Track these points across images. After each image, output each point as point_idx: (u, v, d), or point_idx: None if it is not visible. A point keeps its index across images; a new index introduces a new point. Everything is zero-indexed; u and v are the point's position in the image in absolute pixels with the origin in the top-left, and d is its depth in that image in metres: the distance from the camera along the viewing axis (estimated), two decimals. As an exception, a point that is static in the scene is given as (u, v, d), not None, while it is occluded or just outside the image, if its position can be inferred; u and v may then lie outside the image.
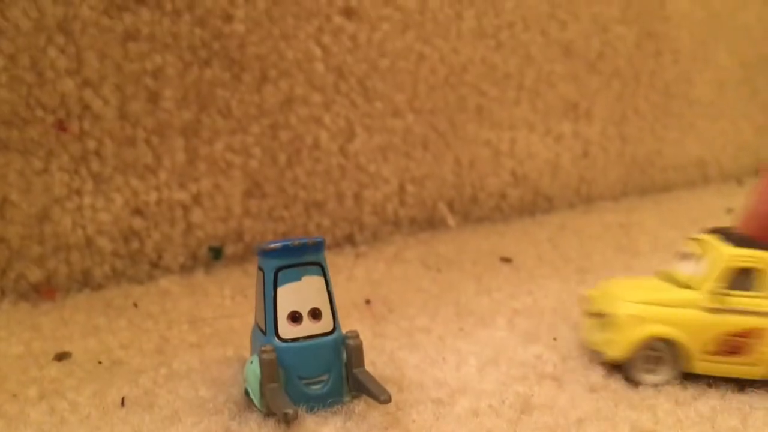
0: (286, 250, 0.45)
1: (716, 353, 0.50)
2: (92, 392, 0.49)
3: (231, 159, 0.79)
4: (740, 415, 0.45)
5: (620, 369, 0.51)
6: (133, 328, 0.62)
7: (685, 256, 0.54)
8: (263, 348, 0.44)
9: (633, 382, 0.50)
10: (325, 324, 0.46)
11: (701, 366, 0.50)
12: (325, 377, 0.46)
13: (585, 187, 1.19)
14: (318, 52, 0.84)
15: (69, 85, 0.69)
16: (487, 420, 0.45)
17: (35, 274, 0.69)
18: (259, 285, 0.47)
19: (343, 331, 0.47)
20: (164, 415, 0.46)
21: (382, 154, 0.92)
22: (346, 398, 0.46)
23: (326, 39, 0.85)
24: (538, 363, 0.53)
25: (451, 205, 1.01)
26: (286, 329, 0.45)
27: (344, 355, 0.46)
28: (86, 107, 0.70)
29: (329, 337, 0.46)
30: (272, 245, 0.45)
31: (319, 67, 0.84)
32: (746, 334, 0.50)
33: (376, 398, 0.44)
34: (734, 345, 0.50)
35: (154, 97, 0.73)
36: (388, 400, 0.44)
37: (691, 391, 0.49)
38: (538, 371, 0.52)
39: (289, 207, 0.85)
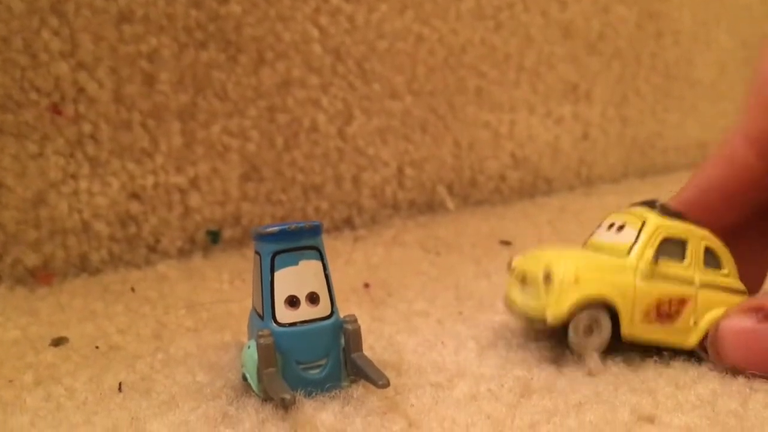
0: (283, 235, 0.45)
1: (649, 319, 0.50)
2: (89, 377, 0.49)
3: (228, 142, 0.79)
4: (740, 398, 0.45)
5: (615, 350, 0.51)
6: (130, 313, 0.62)
7: (611, 227, 0.54)
8: (260, 332, 0.44)
9: (570, 349, 0.50)
10: (322, 308, 0.46)
11: (635, 331, 0.50)
12: (322, 362, 0.45)
13: (585, 169, 1.18)
14: (315, 33, 0.83)
15: (63, 67, 0.68)
16: (486, 404, 0.45)
17: (32, 259, 0.69)
18: (256, 269, 0.46)
19: (341, 315, 0.47)
20: (161, 400, 0.45)
21: (380, 136, 0.92)
22: (344, 383, 0.46)
23: (324, 20, 0.84)
24: (537, 347, 0.53)
25: (450, 188, 1.00)
26: (284, 314, 0.45)
27: (342, 340, 0.46)
28: (81, 90, 0.69)
29: (327, 322, 0.46)
30: (269, 229, 0.45)
31: (317, 48, 0.83)
32: (678, 302, 0.50)
33: (374, 383, 0.44)
34: (667, 312, 0.50)
35: (149, 80, 0.73)
36: (387, 384, 0.43)
37: (692, 374, 0.49)
38: (537, 355, 0.52)
39: (287, 190, 0.84)
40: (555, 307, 0.49)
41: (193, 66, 0.75)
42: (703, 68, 1.36)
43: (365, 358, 0.46)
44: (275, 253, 0.45)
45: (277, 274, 0.45)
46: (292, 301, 0.45)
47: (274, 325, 0.44)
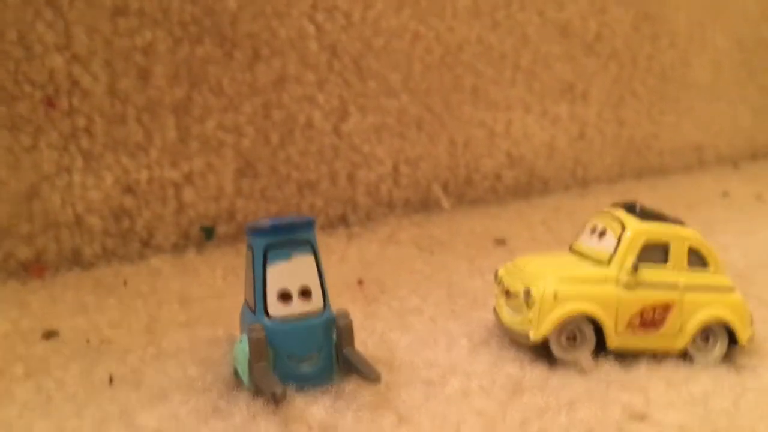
0: (275, 229, 0.45)
1: (634, 328, 0.50)
2: (79, 371, 0.49)
3: (223, 138, 0.78)
4: (732, 397, 0.45)
5: (606, 352, 0.51)
6: (122, 307, 0.62)
7: (594, 231, 0.54)
8: (252, 326, 0.43)
9: (552, 359, 0.50)
10: (315, 303, 0.46)
11: (620, 341, 0.50)
12: (314, 356, 0.45)
13: (581, 169, 1.18)
14: (311, 29, 0.83)
15: (57, 60, 0.68)
16: (477, 401, 0.45)
17: (24, 252, 0.69)
18: (248, 263, 0.46)
19: (334, 310, 0.47)
20: (152, 393, 0.45)
21: (376, 134, 0.91)
22: (336, 378, 0.46)
23: (320, 17, 0.83)
24: (528, 345, 0.53)
25: (445, 187, 1.00)
26: (276, 308, 0.44)
27: (334, 335, 0.46)
28: (75, 83, 0.69)
29: (319, 317, 0.45)
30: (261, 224, 0.45)
31: (313, 45, 0.83)
32: (662, 308, 0.50)
33: (365, 378, 0.44)
34: (651, 320, 0.50)
35: (144, 74, 0.72)
36: (378, 379, 0.43)
37: (683, 372, 0.49)
38: (529, 353, 0.51)
39: (282, 187, 0.84)
40: (536, 325, 0.49)
41: (188, 61, 0.75)
42: (699, 70, 1.36)
43: (357, 353, 0.46)
44: (267, 248, 0.45)
45: (269, 269, 0.44)
46: (284, 296, 0.45)
47: (266, 319, 0.44)
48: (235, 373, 0.46)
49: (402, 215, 0.95)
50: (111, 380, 0.47)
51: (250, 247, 0.46)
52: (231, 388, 0.46)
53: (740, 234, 0.89)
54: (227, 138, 0.79)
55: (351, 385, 0.45)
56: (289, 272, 0.45)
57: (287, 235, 0.45)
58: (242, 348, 0.44)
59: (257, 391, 0.44)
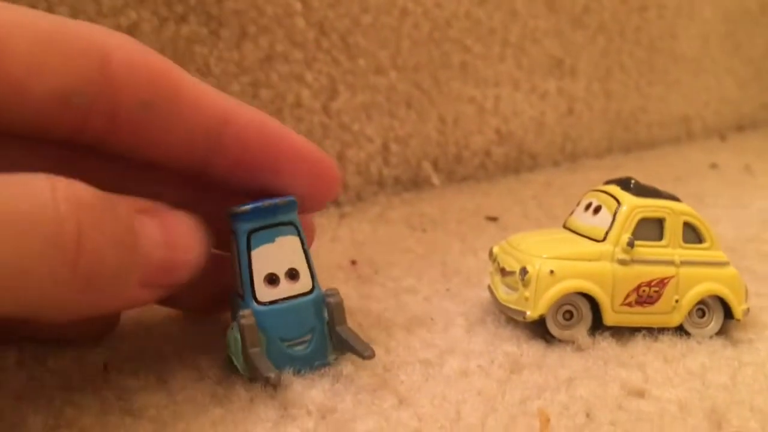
0: (257, 212, 0.44)
1: (630, 304, 0.50)
2: (73, 358, 0.48)
3: (211, 118, 0.77)
4: (730, 371, 0.45)
5: (604, 329, 0.51)
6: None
7: (587, 207, 0.54)
8: (242, 313, 0.43)
9: (550, 336, 0.50)
10: (303, 284, 0.45)
11: (617, 318, 0.50)
12: (307, 338, 0.45)
13: (570, 144, 1.18)
14: (298, 6, 0.81)
15: (40, 42, 0.66)
16: (476, 380, 0.45)
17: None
18: (233, 249, 0.45)
19: (323, 289, 0.46)
20: (148, 381, 0.45)
21: (365, 112, 0.91)
22: (331, 357, 0.46)
23: (307, -7, 0.82)
24: (525, 322, 0.53)
25: (435, 164, 1.00)
26: (264, 292, 0.44)
27: (326, 314, 0.46)
28: (59, 65, 0.68)
29: (308, 297, 0.45)
30: (243, 208, 0.44)
31: (300, 22, 0.82)
32: (658, 283, 0.50)
33: (359, 354, 0.43)
34: (647, 295, 0.50)
35: (129, 55, 0.71)
36: (372, 355, 0.43)
37: (680, 348, 0.49)
38: (525, 331, 0.51)
39: (271, 167, 0.83)
40: (533, 303, 0.49)
41: (173, 40, 0.73)
42: (687, 42, 1.36)
43: (349, 330, 0.45)
44: (251, 232, 0.44)
45: (254, 253, 0.44)
46: (272, 279, 0.44)
47: (255, 304, 0.44)
48: (229, 360, 0.46)
49: (392, 194, 0.95)
50: (106, 368, 0.47)
51: (233, 232, 0.45)
52: (228, 374, 0.46)
53: (730, 206, 0.89)
54: (215, 119, 0.78)
55: (349, 367, 0.45)
56: (274, 255, 0.44)
57: (270, 218, 0.44)
58: (233, 335, 0.44)
59: (253, 376, 0.43)
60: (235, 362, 0.44)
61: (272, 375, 0.41)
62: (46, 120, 0.38)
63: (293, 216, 0.45)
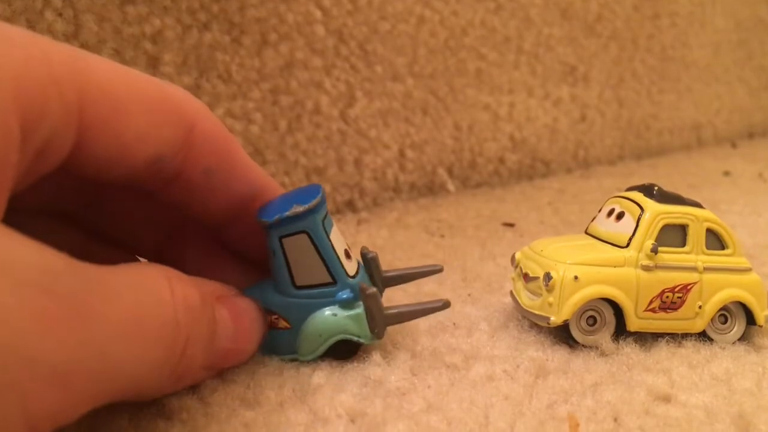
0: (322, 204, 0.46)
1: (654, 310, 0.50)
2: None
3: (231, 124, 0.78)
4: (754, 377, 0.46)
5: (627, 335, 0.51)
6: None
7: (610, 213, 0.54)
8: (363, 286, 0.45)
9: (573, 341, 0.50)
10: (354, 261, 0.48)
11: (640, 323, 0.50)
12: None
13: (582, 151, 1.19)
14: (318, 14, 0.82)
15: (66, 49, 0.67)
16: (503, 385, 0.45)
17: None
18: (296, 248, 0.45)
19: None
20: (179, 383, 0.45)
21: (382, 119, 0.91)
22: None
23: (326, 1, 0.83)
24: (548, 327, 0.53)
25: (450, 170, 1.00)
26: (349, 267, 0.46)
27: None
28: (84, 72, 0.68)
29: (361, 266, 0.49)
30: (312, 202, 0.45)
31: (320, 30, 0.83)
32: (681, 289, 0.51)
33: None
34: (671, 301, 0.50)
35: (153, 62, 0.72)
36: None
37: (704, 353, 0.49)
38: (549, 335, 0.52)
39: (290, 173, 0.84)
40: (557, 309, 0.50)
41: (196, 47, 0.74)
42: (699, 50, 1.36)
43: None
44: (323, 220, 0.46)
45: (331, 237, 0.46)
46: (348, 254, 0.47)
47: (351, 279, 0.46)
48: (333, 345, 0.47)
49: (408, 199, 0.95)
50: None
51: (297, 233, 0.45)
52: (258, 378, 0.46)
53: (745, 214, 0.89)
54: (236, 125, 0.79)
55: (377, 372, 0.45)
56: (337, 236, 0.47)
57: (325, 206, 0.46)
58: (347, 316, 0.46)
59: (381, 336, 0.46)
60: (362, 338, 0.46)
61: (442, 302, 0.47)
62: (133, 177, 0.40)
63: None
